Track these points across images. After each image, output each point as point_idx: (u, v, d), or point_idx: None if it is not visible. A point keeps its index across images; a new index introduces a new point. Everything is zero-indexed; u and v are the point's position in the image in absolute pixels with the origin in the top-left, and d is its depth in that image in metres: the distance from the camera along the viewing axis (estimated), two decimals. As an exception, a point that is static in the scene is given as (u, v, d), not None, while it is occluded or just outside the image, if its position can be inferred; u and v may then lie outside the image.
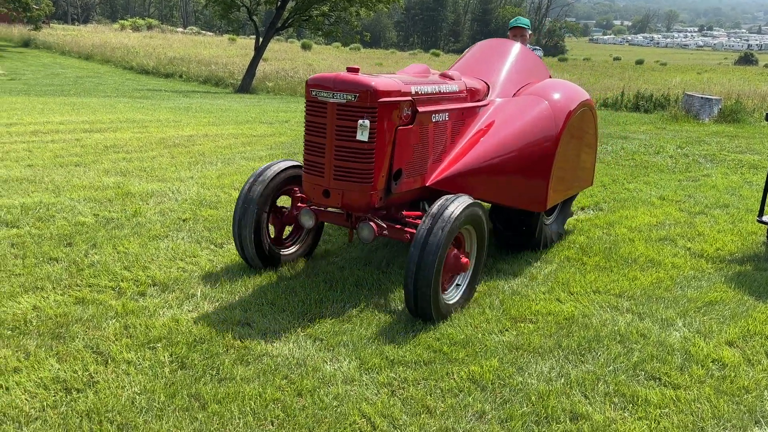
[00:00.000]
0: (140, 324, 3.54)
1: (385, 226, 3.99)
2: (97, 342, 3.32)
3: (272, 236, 4.49)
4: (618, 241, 5.42)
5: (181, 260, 4.55)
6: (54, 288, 3.97)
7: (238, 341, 3.41)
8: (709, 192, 7.27)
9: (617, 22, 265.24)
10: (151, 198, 6.06)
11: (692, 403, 3.03)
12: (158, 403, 2.81)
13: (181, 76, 28.66)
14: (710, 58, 79.36)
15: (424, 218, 3.65)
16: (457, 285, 3.98)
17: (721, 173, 8.38)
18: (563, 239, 5.42)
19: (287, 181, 4.39)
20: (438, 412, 2.87)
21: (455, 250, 3.84)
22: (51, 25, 47.50)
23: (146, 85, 23.95)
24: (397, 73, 4.68)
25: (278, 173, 4.31)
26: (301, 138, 8.03)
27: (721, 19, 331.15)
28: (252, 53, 25.32)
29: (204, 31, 61.43)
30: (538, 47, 6.30)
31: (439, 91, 4.25)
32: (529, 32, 6.12)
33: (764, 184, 5.49)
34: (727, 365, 3.40)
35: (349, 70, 3.84)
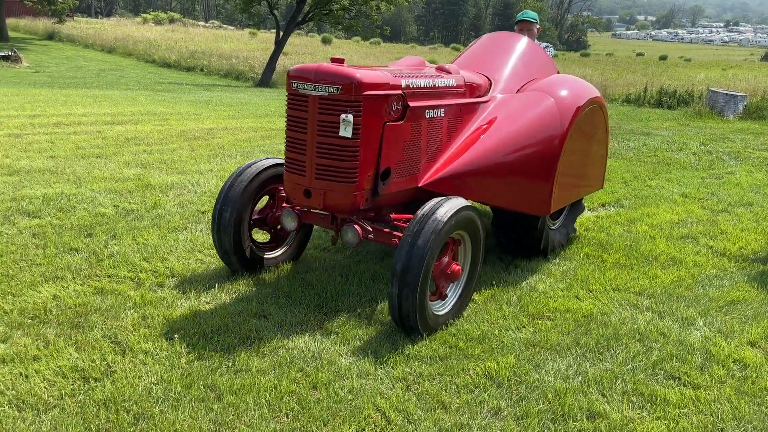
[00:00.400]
0: (158, 315, 3.56)
1: (370, 229, 3.72)
2: (116, 332, 3.35)
3: (255, 239, 4.26)
4: (639, 238, 5.35)
5: (200, 252, 4.57)
6: (74, 278, 4.01)
7: (254, 333, 3.42)
8: (732, 190, 7.15)
9: (641, 17, 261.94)
10: (171, 190, 6.10)
11: (712, 404, 2.98)
12: (174, 394, 2.83)
13: (202, 70, 28.83)
14: (736, 54, 77.99)
15: (411, 222, 3.39)
16: (449, 295, 3.69)
17: (746, 171, 8.23)
18: (577, 240, 5.36)
19: (270, 180, 4.12)
20: (453, 408, 2.86)
21: (446, 257, 3.57)
22: (75, 18, 48.02)
23: (167, 79, 24.13)
24: (390, 65, 4.51)
25: (260, 172, 4.04)
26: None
27: (748, 14, 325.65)
28: (272, 47, 25.38)
29: (225, 25, 61.74)
30: (549, 44, 5.96)
31: (434, 85, 3.99)
32: (537, 26, 5.85)
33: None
34: (748, 366, 3.34)
35: (334, 60, 3.61)
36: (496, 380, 3.09)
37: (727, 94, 14.87)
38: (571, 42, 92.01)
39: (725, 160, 8.95)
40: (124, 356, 3.13)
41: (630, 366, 3.27)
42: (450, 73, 4.24)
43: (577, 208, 5.25)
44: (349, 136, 3.46)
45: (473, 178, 4.08)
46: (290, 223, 3.93)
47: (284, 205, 4.09)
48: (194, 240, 4.78)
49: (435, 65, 4.51)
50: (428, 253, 3.24)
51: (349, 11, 26.24)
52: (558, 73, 5.13)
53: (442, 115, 4.05)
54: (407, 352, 3.29)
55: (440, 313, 3.59)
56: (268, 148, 8.53)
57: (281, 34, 25.03)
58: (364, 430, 2.68)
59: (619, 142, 10.27)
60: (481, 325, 3.66)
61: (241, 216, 3.97)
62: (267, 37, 40.02)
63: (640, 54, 64.30)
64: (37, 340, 3.22)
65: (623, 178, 7.56)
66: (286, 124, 3.70)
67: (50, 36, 38.71)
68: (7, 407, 2.68)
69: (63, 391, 2.81)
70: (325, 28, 53.44)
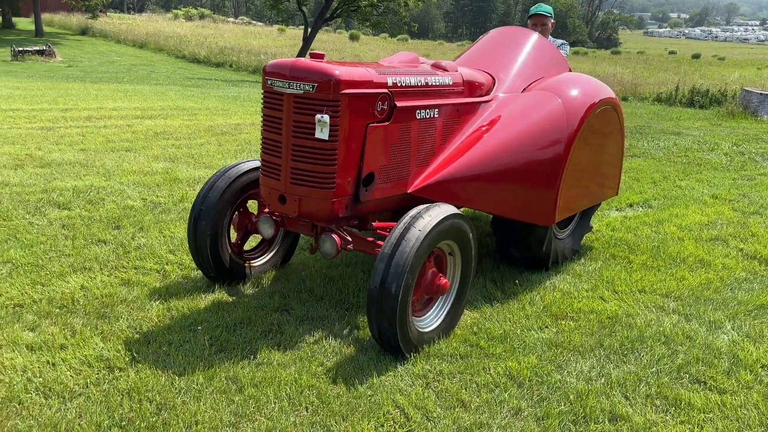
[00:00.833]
0: (182, 306, 3.61)
1: (350, 239, 3.46)
2: (141, 323, 3.41)
3: (236, 246, 4.02)
4: (667, 239, 5.27)
5: (224, 246, 4.61)
6: (101, 269, 4.08)
7: (276, 327, 3.45)
8: (764, 191, 6.99)
9: (674, 15, 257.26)
10: (198, 184, 6.17)
11: (738, 409, 2.92)
12: (197, 385, 2.86)
13: (231, 66, 29.10)
14: (772, 53, 76.14)
15: (392, 230, 3.11)
16: (435, 310, 3.43)
17: (779, 172, 8.04)
18: (603, 240, 5.29)
19: (252, 184, 3.85)
20: (473, 407, 2.84)
21: (432, 269, 3.30)
22: (108, 14, 48.85)
23: (197, 74, 24.40)
24: (382, 61, 4.32)
25: (240, 175, 3.79)
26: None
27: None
28: (300, 44, 25.52)
29: (254, 21, 62.21)
30: (565, 42, 5.64)
31: (426, 84, 3.68)
32: (552, 21, 5.46)
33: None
34: (777, 372, 3.26)
35: (313, 56, 3.35)
36: (517, 380, 3.07)
37: (761, 93, 14.54)
38: (602, 40, 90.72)
39: (758, 161, 8.76)
40: (148, 347, 3.17)
41: (654, 369, 3.22)
42: (446, 70, 3.95)
43: (587, 218, 4.89)
44: (326, 138, 3.18)
45: (469, 183, 3.78)
46: (267, 230, 3.70)
47: (265, 210, 3.81)
48: (219, 234, 4.82)
49: (431, 62, 4.24)
50: (408, 267, 2.95)
51: (377, 8, 26.28)
52: (570, 71, 4.79)
53: (436, 115, 3.74)
54: (427, 350, 3.28)
55: (426, 330, 3.32)
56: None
57: (309, 30, 25.16)
58: (382, 426, 2.68)
59: (648, 141, 10.11)
60: (503, 324, 3.63)
61: (217, 222, 3.73)
62: (295, 34, 40.25)
63: (672, 52, 63.15)
64: (64, 329, 3.29)
65: (652, 178, 7.45)
66: (261, 124, 3.49)
67: (83, 31, 39.42)
68: (34, 394, 2.74)
69: (88, 380, 2.86)
70: (353, 25, 53.54)
